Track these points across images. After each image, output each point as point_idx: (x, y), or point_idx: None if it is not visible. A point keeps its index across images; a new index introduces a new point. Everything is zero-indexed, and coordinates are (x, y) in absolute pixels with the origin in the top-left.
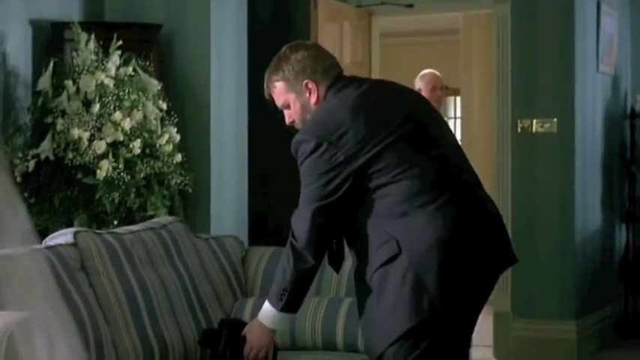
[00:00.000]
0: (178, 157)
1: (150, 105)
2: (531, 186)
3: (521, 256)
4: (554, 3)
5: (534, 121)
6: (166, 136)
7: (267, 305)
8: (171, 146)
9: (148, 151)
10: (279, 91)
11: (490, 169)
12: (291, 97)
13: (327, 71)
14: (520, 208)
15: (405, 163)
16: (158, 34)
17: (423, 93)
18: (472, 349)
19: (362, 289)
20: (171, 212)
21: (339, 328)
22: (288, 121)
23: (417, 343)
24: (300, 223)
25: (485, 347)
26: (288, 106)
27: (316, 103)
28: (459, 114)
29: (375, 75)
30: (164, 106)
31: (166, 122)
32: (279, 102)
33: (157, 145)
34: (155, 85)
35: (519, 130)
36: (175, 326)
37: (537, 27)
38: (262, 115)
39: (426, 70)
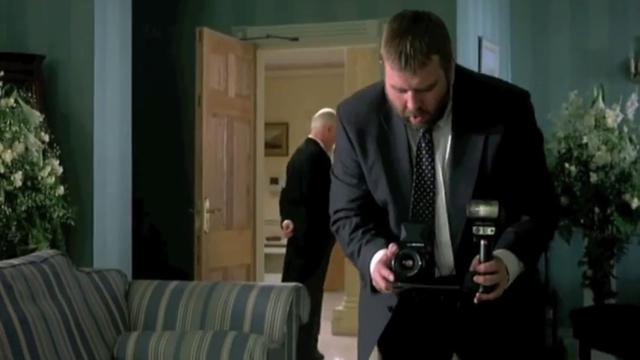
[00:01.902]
0: (61, 190)
1: (32, 137)
2: None
3: None
4: None
5: None
6: (48, 169)
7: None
8: (53, 179)
9: (29, 183)
10: (435, 66)
11: None
12: (442, 74)
13: None
14: None
15: None
16: (41, 65)
17: (319, 133)
18: None
19: None
20: (53, 245)
21: None
22: (416, 106)
23: None
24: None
25: None
26: (430, 88)
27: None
28: None
29: (260, 107)
30: (46, 138)
31: (49, 154)
32: (426, 81)
33: (39, 178)
34: (37, 116)
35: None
36: None
37: None
38: (146, 145)
39: (325, 110)
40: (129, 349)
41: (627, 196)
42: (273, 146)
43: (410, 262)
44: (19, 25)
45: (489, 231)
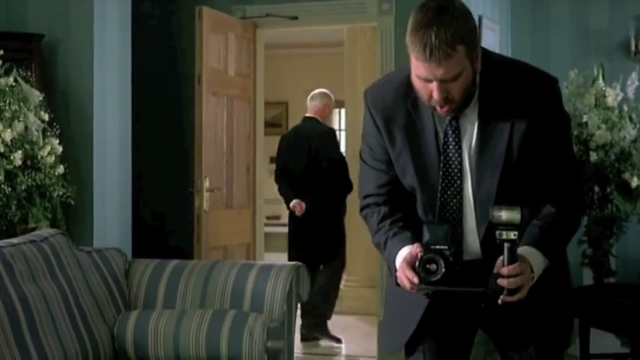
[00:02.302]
0: (60, 169)
1: (31, 116)
2: None
3: None
4: None
5: None
6: (48, 148)
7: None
8: (53, 158)
9: (29, 162)
10: (460, 57)
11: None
12: (468, 64)
13: None
14: None
15: None
16: (40, 44)
17: (320, 111)
18: None
19: None
20: (53, 225)
21: (223, 341)
22: (442, 96)
23: None
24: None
25: (370, 358)
26: (455, 78)
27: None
28: (343, 126)
29: (260, 86)
30: (46, 117)
31: (48, 133)
32: (450, 72)
33: (39, 157)
34: (37, 95)
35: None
36: (57, 340)
37: None
38: (146, 124)
39: (322, 90)
40: (129, 327)
41: (627, 175)
42: (273, 125)
43: (434, 267)
44: (19, 4)
45: (512, 235)
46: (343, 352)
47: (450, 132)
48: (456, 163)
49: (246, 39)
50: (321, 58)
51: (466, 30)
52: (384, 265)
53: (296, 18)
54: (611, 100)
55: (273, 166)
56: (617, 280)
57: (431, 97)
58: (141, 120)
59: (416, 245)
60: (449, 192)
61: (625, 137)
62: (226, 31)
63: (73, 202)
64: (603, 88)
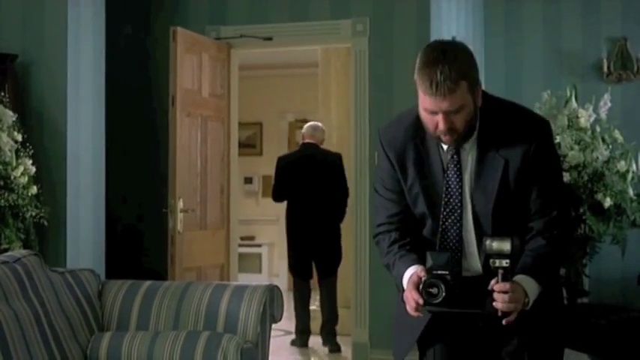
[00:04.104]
0: (34, 190)
1: (4, 136)
2: None
3: (379, 287)
4: (410, 38)
5: None
6: (21, 168)
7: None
8: (26, 178)
9: (2, 183)
10: (463, 91)
11: (349, 200)
12: (470, 99)
13: None
14: None
15: None
16: (13, 64)
17: (320, 141)
18: None
19: None
20: (26, 245)
21: None
22: (447, 126)
23: None
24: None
25: None
26: (458, 110)
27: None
28: None
29: (234, 107)
30: (19, 137)
31: (21, 154)
32: (454, 105)
33: (12, 177)
34: (10, 116)
35: (377, 162)
36: None
37: (394, 61)
38: (120, 145)
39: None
40: (102, 349)
41: (600, 196)
42: (247, 146)
43: (435, 290)
44: None
45: (504, 263)
46: None
47: (452, 165)
48: (457, 194)
49: (220, 60)
50: (295, 79)
51: (468, 68)
52: (359, 285)
53: (270, 39)
54: (583, 121)
55: (247, 187)
56: (591, 300)
57: (437, 127)
58: (115, 140)
59: (421, 269)
60: (449, 220)
61: (598, 158)
62: (200, 51)
63: (46, 223)
64: (576, 109)
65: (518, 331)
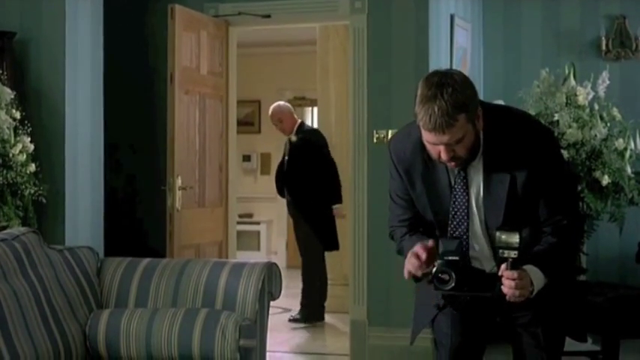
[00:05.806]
0: (32, 167)
1: (2, 114)
2: (386, 195)
3: (376, 265)
4: (409, 16)
5: (390, 131)
6: (20, 146)
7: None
8: (24, 156)
9: (0, 161)
10: (462, 123)
11: (347, 178)
12: (470, 127)
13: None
14: (375, 216)
15: None
16: (12, 41)
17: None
18: (329, 358)
19: None
20: (24, 223)
21: (195, 339)
22: (449, 156)
23: None
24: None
25: (342, 356)
26: (459, 141)
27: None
28: (316, 124)
29: (232, 85)
30: (17, 115)
31: (20, 131)
32: (454, 137)
33: (10, 155)
34: (8, 93)
35: (375, 140)
36: (28, 339)
37: (392, 39)
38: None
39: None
40: (101, 326)
41: (598, 174)
42: (246, 123)
43: (446, 277)
44: None
45: (513, 254)
46: (317, 349)
47: (459, 180)
48: (463, 207)
49: (218, 37)
50: (293, 57)
51: (465, 99)
52: (358, 263)
53: (268, 16)
54: (582, 99)
55: (246, 165)
56: (588, 277)
57: (440, 156)
58: (113, 118)
59: (431, 240)
60: (457, 232)
61: (596, 136)
62: (199, 29)
63: (44, 200)
64: (574, 87)
65: (532, 306)
